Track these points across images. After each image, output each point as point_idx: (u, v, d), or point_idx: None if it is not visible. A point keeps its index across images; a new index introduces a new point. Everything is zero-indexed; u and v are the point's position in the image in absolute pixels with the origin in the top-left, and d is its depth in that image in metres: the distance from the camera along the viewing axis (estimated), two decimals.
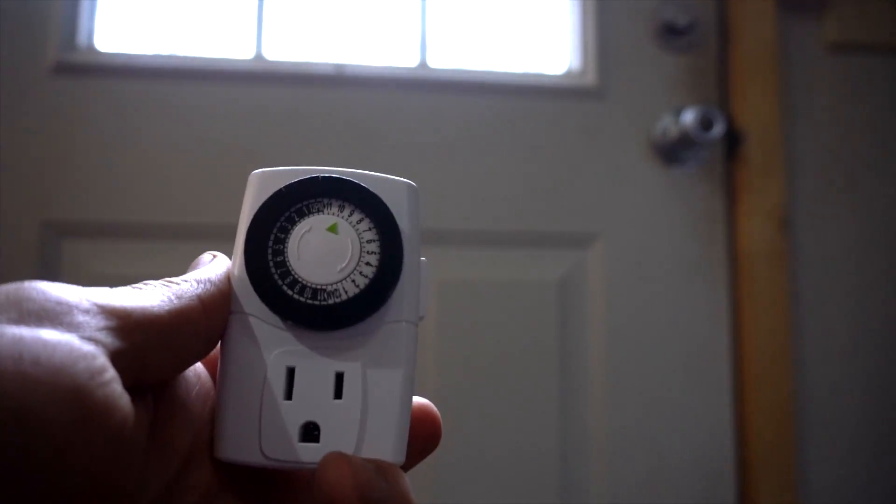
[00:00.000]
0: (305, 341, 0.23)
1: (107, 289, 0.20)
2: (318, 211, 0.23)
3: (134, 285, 0.21)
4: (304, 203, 0.23)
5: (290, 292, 0.22)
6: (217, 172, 0.72)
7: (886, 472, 0.78)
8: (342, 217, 0.23)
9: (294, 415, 0.22)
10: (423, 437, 0.24)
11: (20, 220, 0.70)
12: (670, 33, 0.79)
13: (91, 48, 0.75)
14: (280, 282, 0.22)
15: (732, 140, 0.77)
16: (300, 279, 0.23)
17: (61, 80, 0.71)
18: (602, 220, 0.77)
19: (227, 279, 0.23)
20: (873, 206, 0.81)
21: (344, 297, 0.22)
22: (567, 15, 0.82)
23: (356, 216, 0.23)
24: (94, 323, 0.18)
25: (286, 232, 0.23)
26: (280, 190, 0.23)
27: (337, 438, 0.22)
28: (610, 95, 0.78)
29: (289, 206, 0.23)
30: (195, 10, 0.77)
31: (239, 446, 0.22)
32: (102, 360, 0.17)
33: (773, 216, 0.77)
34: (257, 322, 0.23)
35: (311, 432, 0.22)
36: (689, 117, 0.72)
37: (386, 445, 0.22)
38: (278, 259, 0.23)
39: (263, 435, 0.22)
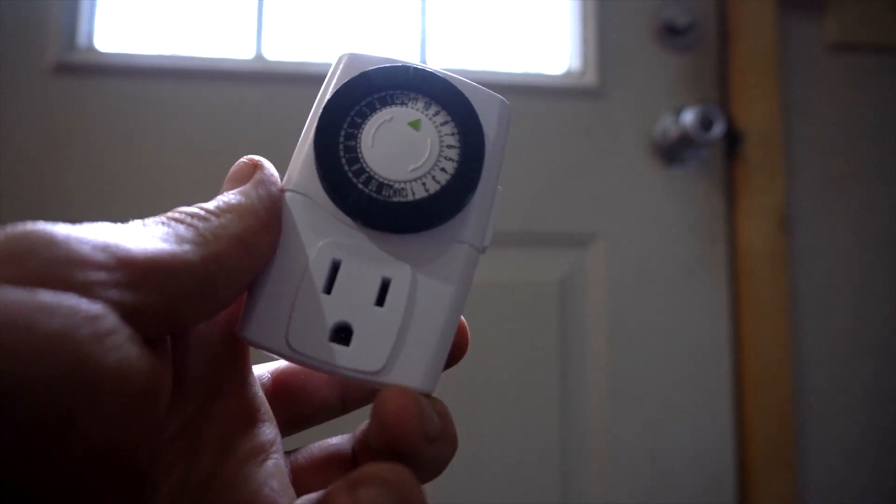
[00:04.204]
0: (358, 237, 0.21)
1: (131, 229, 0.18)
2: (403, 103, 0.22)
3: (164, 219, 0.18)
4: (390, 92, 0.22)
5: (354, 180, 0.21)
6: (217, 172, 0.72)
7: (886, 472, 0.78)
8: (427, 115, 0.22)
9: (329, 311, 0.20)
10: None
11: (20, 219, 0.69)
12: (670, 33, 0.79)
13: (91, 48, 0.74)
14: (346, 166, 0.21)
15: (732, 140, 0.77)
16: (367, 168, 0.21)
17: (61, 80, 0.71)
18: (602, 220, 0.77)
19: (276, 202, 0.21)
20: (873, 206, 0.81)
21: (410, 198, 0.20)
22: (567, 15, 0.82)
23: (441, 117, 0.22)
24: (110, 279, 0.16)
25: (364, 117, 0.21)
26: (368, 72, 0.22)
27: (368, 349, 0.20)
28: (610, 95, 0.78)
29: (373, 91, 0.21)
30: (195, 10, 0.77)
31: (265, 330, 0.20)
32: (111, 320, 0.15)
33: (773, 216, 0.77)
34: (314, 206, 0.21)
35: (342, 334, 0.20)
36: (689, 117, 0.72)
37: (417, 370, 0.20)
38: (350, 143, 0.21)
39: (292, 324, 0.20)
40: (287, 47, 0.77)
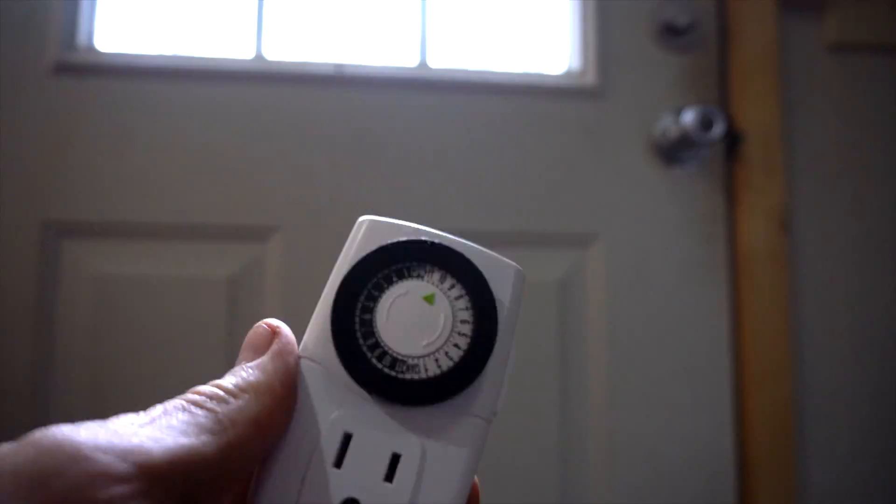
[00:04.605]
0: (371, 409, 0.21)
1: (151, 423, 0.18)
2: (419, 276, 0.22)
3: (185, 402, 0.19)
4: (407, 264, 0.22)
5: (368, 354, 0.21)
6: (217, 172, 0.72)
7: (886, 472, 0.78)
8: (441, 289, 0.22)
9: (339, 486, 0.20)
10: None
11: (20, 220, 0.70)
12: (670, 33, 0.79)
13: (91, 48, 0.74)
14: (361, 341, 0.21)
15: (732, 140, 0.77)
16: (382, 343, 0.21)
17: (61, 80, 0.71)
18: (602, 220, 0.77)
19: (292, 375, 0.21)
20: (873, 206, 0.81)
21: (423, 375, 0.21)
22: (567, 15, 0.82)
23: (456, 291, 0.22)
24: (131, 491, 0.17)
25: (381, 290, 0.22)
26: (386, 245, 0.22)
27: None
28: (610, 95, 0.78)
29: (390, 263, 0.22)
30: (195, 10, 0.77)
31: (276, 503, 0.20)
32: None
33: (773, 216, 0.77)
34: (328, 376, 0.21)
35: None
36: (689, 117, 0.72)
37: None
38: (365, 317, 0.22)
39: (303, 498, 0.20)
40: (287, 47, 0.77)
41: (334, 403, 0.21)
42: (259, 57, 0.75)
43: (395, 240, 0.23)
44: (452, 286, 0.22)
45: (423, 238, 0.23)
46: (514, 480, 0.72)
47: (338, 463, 0.21)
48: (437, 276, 0.22)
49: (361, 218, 0.23)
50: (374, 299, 0.22)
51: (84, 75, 0.72)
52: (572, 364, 0.75)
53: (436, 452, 0.21)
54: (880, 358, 0.79)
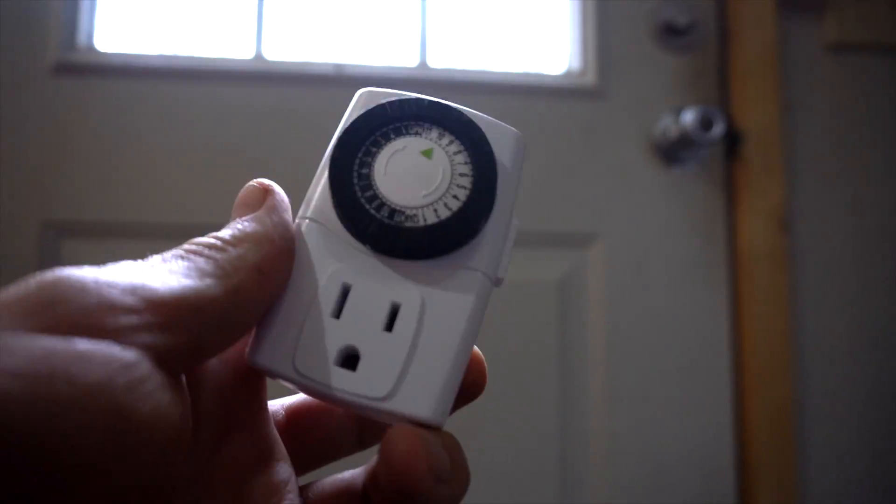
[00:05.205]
0: (370, 263, 0.21)
1: (154, 266, 0.18)
2: (417, 133, 0.22)
3: (183, 252, 0.19)
4: (404, 122, 0.22)
5: (366, 206, 0.21)
6: (217, 172, 0.72)
7: (886, 472, 0.78)
8: (440, 144, 0.22)
9: (337, 335, 0.20)
10: (464, 382, 0.21)
11: (20, 220, 0.70)
12: (670, 33, 0.79)
13: (91, 48, 0.74)
14: (359, 194, 0.21)
15: (732, 140, 0.77)
16: (380, 195, 0.21)
17: (61, 80, 0.71)
18: (602, 220, 0.77)
19: (290, 227, 0.21)
20: (873, 206, 0.81)
21: (421, 223, 0.21)
22: (567, 15, 0.82)
23: (454, 147, 0.22)
24: (141, 322, 0.16)
25: (379, 146, 0.22)
26: (383, 104, 0.22)
27: (374, 374, 0.20)
28: (610, 95, 0.78)
29: (388, 122, 0.22)
30: (195, 10, 0.77)
31: (273, 355, 0.20)
32: (145, 367, 0.15)
33: (773, 216, 0.77)
34: (328, 233, 0.21)
35: (349, 359, 0.20)
36: (689, 117, 0.72)
37: (424, 398, 0.19)
38: (363, 171, 0.21)
39: (300, 347, 0.20)
40: (287, 47, 0.77)
41: (334, 259, 0.21)
42: (259, 57, 0.75)
43: (392, 99, 0.22)
44: (451, 142, 0.22)
45: (421, 98, 0.22)
46: (515, 480, 0.72)
47: (336, 314, 0.20)
48: (435, 132, 0.22)
49: (361, 90, 0.23)
50: (372, 155, 0.22)
51: (84, 75, 0.72)
52: (572, 364, 0.75)
53: (436, 303, 0.20)
54: (880, 358, 0.79)
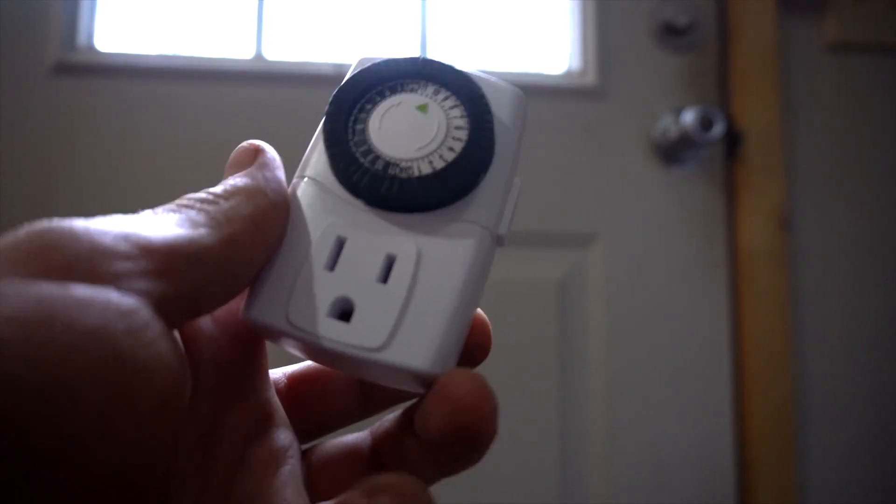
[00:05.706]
0: (366, 218, 0.20)
1: (145, 218, 0.17)
2: (413, 90, 0.22)
3: (175, 206, 0.18)
4: (400, 80, 0.22)
5: (361, 160, 0.21)
6: (217, 172, 0.72)
7: (886, 471, 0.78)
8: (435, 100, 0.22)
9: (331, 287, 0.20)
10: (468, 344, 0.21)
11: (20, 220, 0.69)
12: (670, 33, 0.79)
13: (91, 48, 0.74)
14: (354, 148, 0.21)
15: (732, 140, 0.77)
16: (374, 148, 0.21)
17: (61, 80, 0.71)
18: (602, 220, 0.77)
19: (282, 183, 0.20)
20: (873, 206, 0.81)
21: (416, 174, 0.20)
22: (567, 15, 0.82)
23: (450, 102, 0.22)
24: (136, 268, 0.15)
25: (374, 103, 0.22)
26: (378, 62, 0.22)
27: (369, 325, 0.19)
28: (610, 95, 0.78)
29: (383, 80, 0.22)
30: (195, 10, 0.77)
31: (267, 308, 0.20)
32: (145, 313, 0.15)
33: (773, 216, 0.77)
34: (324, 189, 0.21)
35: (343, 310, 0.20)
36: (689, 117, 0.72)
37: (419, 348, 0.19)
38: (358, 127, 0.21)
39: (293, 299, 0.20)
40: (287, 47, 0.77)
41: (329, 214, 0.21)
42: (259, 57, 0.75)
43: (388, 58, 0.22)
44: (447, 97, 0.22)
45: (416, 56, 0.22)
46: (514, 480, 0.72)
47: (331, 266, 0.20)
48: (430, 89, 0.22)
49: (359, 58, 0.23)
50: (367, 111, 0.22)
51: (84, 75, 0.72)
52: (572, 364, 0.75)
53: (433, 254, 0.20)
54: (880, 358, 0.79)
